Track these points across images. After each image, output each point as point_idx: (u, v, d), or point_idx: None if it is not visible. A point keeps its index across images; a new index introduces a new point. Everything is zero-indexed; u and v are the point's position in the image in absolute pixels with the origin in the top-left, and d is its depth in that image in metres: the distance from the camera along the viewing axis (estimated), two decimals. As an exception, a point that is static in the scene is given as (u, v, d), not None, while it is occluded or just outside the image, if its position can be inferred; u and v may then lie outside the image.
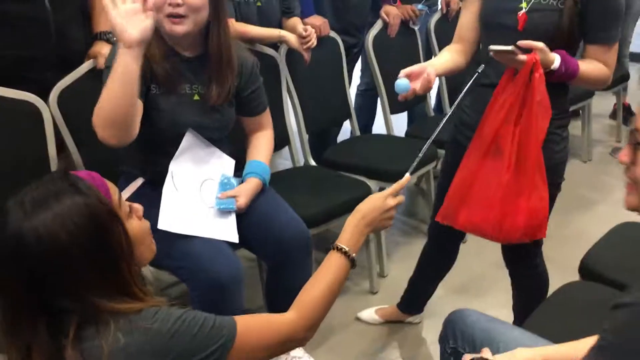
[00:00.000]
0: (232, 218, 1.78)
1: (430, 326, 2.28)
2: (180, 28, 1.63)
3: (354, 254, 1.24)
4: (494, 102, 1.66)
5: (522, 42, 1.54)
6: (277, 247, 1.82)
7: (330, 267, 1.22)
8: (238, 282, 1.67)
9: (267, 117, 1.99)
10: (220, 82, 1.75)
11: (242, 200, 1.78)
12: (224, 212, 1.77)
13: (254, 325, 1.10)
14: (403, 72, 1.64)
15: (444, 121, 1.44)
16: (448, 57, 1.82)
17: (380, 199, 1.29)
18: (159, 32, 1.67)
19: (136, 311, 0.99)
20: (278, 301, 1.93)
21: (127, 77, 1.44)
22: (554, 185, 1.72)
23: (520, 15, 1.66)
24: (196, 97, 1.76)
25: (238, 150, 1.96)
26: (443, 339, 1.46)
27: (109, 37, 2.02)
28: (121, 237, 1.00)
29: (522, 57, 1.54)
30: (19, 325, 0.96)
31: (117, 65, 1.45)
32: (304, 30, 2.41)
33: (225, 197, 1.78)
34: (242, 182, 1.86)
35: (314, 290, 1.19)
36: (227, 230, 1.75)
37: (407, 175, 1.37)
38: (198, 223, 1.72)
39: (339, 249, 1.23)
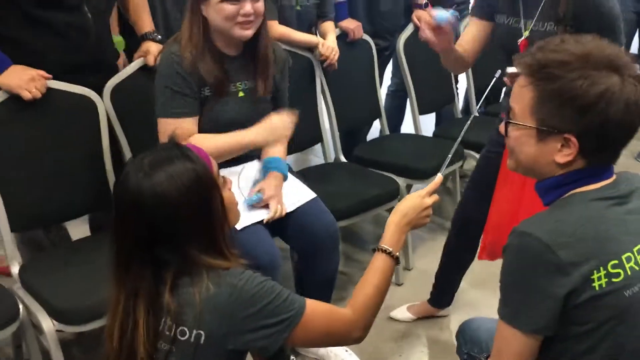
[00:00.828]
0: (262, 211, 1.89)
1: (456, 317, 2.37)
2: (250, 32, 1.85)
3: (397, 253, 1.31)
4: None
5: None
6: (306, 237, 1.95)
7: (378, 269, 1.29)
8: (276, 267, 1.81)
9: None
10: (265, 75, 1.93)
11: (270, 190, 1.89)
12: (253, 205, 1.89)
13: (320, 311, 1.22)
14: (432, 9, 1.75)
15: (469, 122, 1.53)
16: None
17: (418, 199, 1.36)
18: (210, 39, 1.85)
19: (225, 268, 1.14)
20: (309, 289, 2.06)
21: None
22: None
23: (520, 41, 1.78)
24: (241, 94, 1.92)
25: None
26: (459, 349, 1.57)
27: (154, 37, 2.17)
28: (219, 201, 1.16)
29: None
30: (130, 271, 1.13)
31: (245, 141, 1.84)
32: (322, 49, 2.55)
33: (252, 193, 1.91)
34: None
35: (366, 290, 1.27)
36: (259, 213, 1.88)
37: (440, 175, 1.44)
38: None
39: (384, 250, 1.30)
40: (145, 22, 2.18)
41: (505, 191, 1.85)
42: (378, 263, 1.31)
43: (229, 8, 1.79)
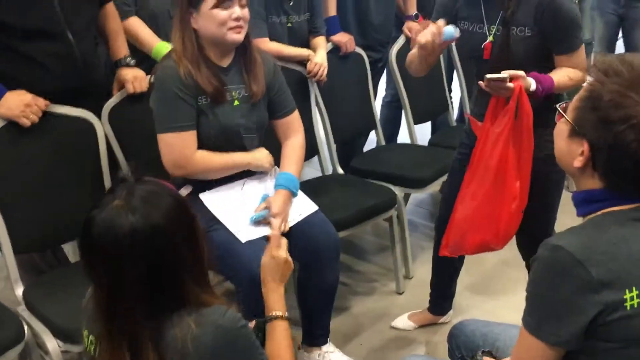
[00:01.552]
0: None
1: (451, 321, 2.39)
2: (241, 36, 1.92)
3: (285, 313, 1.41)
4: (486, 135, 1.84)
5: (510, 72, 1.72)
6: (309, 248, 1.98)
7: (279, 337, 1.37)
8: None
9: (297, 120, 2.14)
10: (257, 78, 1.99)
11: (276, 208, 1.92)
12: (259, 221, 1.93)
13: None
14: (441, 21, 1.85)
15: None
16: None
17: (272, 260, 1.47)
18: (203, 51, 1.89)
19: (210, 304, 1.12)
20: (309, 299, 2.09)
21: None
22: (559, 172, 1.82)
23: (484, 44, 1.86)
24: (236, 103, 1.97)
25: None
26: (450, 353, 1.58)
27: (128, 62, 2.18)
28: (201, 230, 1.14)
29: (511, 85, 1.72)
30: (127, 319, 1.07)
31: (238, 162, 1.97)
32: (309, 66, 2.61)
33: (259, 210, 1.94)
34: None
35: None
36: (264, 228, 1.93)
37: (274, 233, 1.76)
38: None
39: (275, 318, 1.39)
40: (120, 48, 2.19)
41: (470, 189, 1.91)
42: (276, 333, 1.37)
43: (221, 14, 1.85)
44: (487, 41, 1.86)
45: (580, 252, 1.07)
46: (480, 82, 1.77)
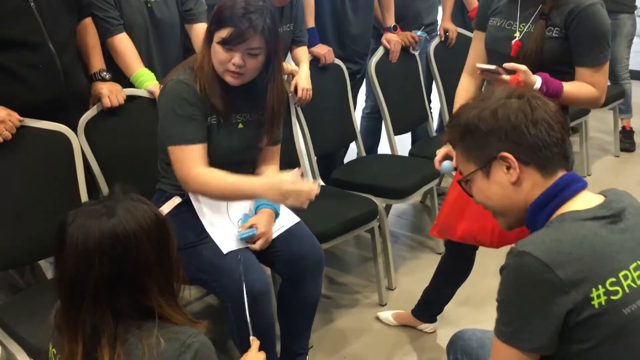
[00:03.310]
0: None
1: (442, 336, 2.38)
2: (237, 82, 1.83)
3: None
4: None
5: (507, 64, 1.70)
6: (293, 261, 1.95)
7: None
8: (268, 293, 1.82)
9: (279, 152, 2.11)
10: (272, 127, 1.97)
11: (262, 227, 1.89)
12: (246, 240, 1.89)
13: None
14: (441, 154, 1.88)
15: None
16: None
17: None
18: (217, 72, 1.84)
19: (179, 323, 1.12)
20: (291, 314, 2.06)
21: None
22: None
23: (513, 43, 1.83)
24: (240, 126, 1.93)
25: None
26: None
27: (103, 76, 2.15)
28: (175, 245, 1.16)
29: (505, 77, 1.71)
30: (86, 325, 1.09)
31: (246, 192, 1.80)
32: (299, 93, 2.60)
33: (245, 228, 1.89)
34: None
35: None
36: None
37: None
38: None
39: None
40: (96, 62, 2.17)
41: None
42: None
43: (222, 54, 1.79)
44: (516, 39, 1.84)
45: (546, 255, 1.10)
46: (479, 65, 1.76)
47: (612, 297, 1.11)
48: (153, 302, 1.11)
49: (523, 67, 1.69)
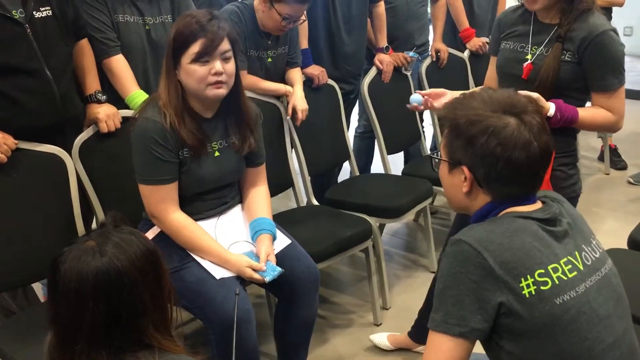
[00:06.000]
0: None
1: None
2: (222, 91, 1.85)
3: None
4: None
5: (523, 93, 1.72)
6: (288, 283, 1.95)
7: None
8: (248, 322, 1.81)
9: (264, 171, 2.12)
10: (245, 135, 1.97)
11: (273, 259, 1.91)
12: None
13: None
14: (420, 92, 1.93)
15: None
16: None
17: None
18: (187, 103, 1.87)
19: (172, 351, 1.12)
20: (288, 334, 2.06)
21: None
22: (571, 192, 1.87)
23: (525, 65, 1.86)
24: (217, 154, 1.94)
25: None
26: None
27: (99, 98, 2.15)
28: (167, 278, 1.16)
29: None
30: (74, 349, 1.08)
31: (212, 255, 1.87)
32: (298, 115, 2.62)
33: (263, 261, 1.88)
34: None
35: None
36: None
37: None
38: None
39: None
40: (92, 84, 2.17)
41: None
42: None
43: (200, 70, 1.80)
44: (528, 62, 1.86)
45: (478, 243, 1.19)
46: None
47: (542, 288, 1.17)
48: (150, 339, 1.10)
49: (534, 95, 1.69)
